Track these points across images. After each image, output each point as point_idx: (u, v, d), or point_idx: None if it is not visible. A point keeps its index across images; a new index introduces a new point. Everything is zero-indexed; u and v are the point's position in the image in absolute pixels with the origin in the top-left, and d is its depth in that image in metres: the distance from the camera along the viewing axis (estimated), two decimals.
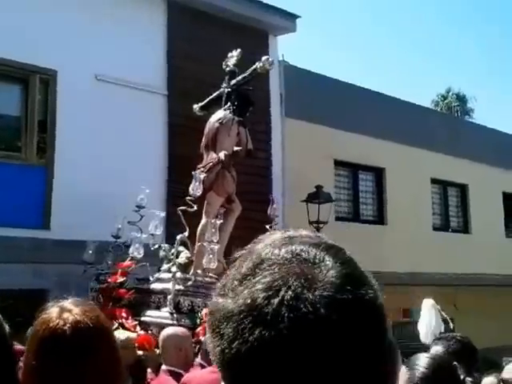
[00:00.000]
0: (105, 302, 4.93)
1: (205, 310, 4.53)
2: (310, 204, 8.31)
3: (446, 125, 12.49)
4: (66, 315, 1.32)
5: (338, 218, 9.43)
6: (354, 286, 0.63)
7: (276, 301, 0.60)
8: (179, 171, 7.45)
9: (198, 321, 4.58)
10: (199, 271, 4.89)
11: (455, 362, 2.15)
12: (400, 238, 10.14)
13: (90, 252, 5.36)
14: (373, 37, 58.85)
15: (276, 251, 0.66)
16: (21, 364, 1.39)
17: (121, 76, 7.27)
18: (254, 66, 5.63)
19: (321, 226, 8.10)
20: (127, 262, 5.19)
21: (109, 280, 5.11)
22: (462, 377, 2.11)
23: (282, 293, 0.60)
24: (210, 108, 6.18)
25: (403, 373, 1.85)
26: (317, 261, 0.64)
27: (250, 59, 8.57)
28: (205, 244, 4.80)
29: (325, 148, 9.31)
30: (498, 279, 11.56)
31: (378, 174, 10.64)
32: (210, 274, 4.76)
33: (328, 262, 0.64)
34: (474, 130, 13.19)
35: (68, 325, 1.30)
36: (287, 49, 16.68)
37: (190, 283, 4.75)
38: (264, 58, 5.52)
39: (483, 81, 52.74)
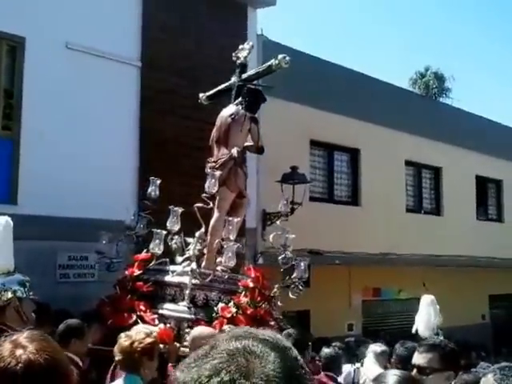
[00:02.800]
0: (122, 294, 4.93)
1: (221, 305, 4.68)
2: (284, 184, 8.21)
3: (423, 107, 12.48)
4: (18, 352, 1.25)
5: (312, 199, 9.37)
6: (287, 381, 0.76)
7: (215, 380, 0.75)
8: (150, 144, 7.32)
9: (214, 314, 4.64)
10: (218, 268, 4.94)
11: None
12: (373, 220, 10.17)
13: (104, 242, 5.24)
14: (353, 14, 58.43)
15: (232, 342, 0.80)
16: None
17: (93, 45, 6.96)
18: (269, 63, 5.51)
19: (295, 206, 8.02)
20: (144, 255, 5.17)
21: (125, 272, 5.10)
22: None
23: (221, 375, 0.75)
24: (216, 98, 6.13)
25: None
26: (261, 354, 0.78)
27: (228, 31, 8.39)
28: (222, 243, 4.88)
29: (301, 127, 9.19)
30: (468, 261, 11.78)
31: (354, 154, 10.59)
32: (227, 269, 4.84)
33: (270, 358, 0.78)
34: (449, 113, 13.20)
35: (20, 364, 1.23)
36: (266, 23, 16.34)
37: (208, 278, 4.78)
38: (281, 56, 5.39)
39: (462, 61, 53.10)
